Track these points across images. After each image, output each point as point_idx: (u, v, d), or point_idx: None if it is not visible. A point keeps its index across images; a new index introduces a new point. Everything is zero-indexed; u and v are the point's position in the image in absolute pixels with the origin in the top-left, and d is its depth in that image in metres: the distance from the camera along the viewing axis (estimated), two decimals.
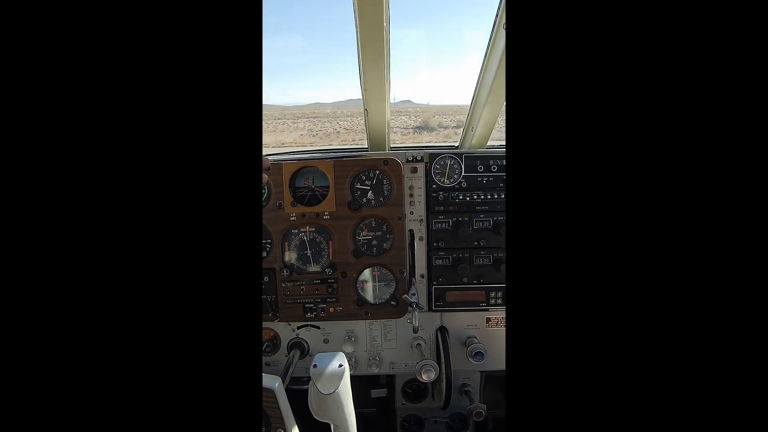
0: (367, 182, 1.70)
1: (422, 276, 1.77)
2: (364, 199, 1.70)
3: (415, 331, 1.66)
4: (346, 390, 1.14)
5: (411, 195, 1.74)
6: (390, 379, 2.01)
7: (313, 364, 1.15)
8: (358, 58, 1.54)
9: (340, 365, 1.14)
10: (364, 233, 1.72)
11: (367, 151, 1.93)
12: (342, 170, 1.67)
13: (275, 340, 1.80)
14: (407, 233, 1.72)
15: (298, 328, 1.79)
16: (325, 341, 1.80)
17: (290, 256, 1.72)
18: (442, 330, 1.81)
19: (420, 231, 1.75)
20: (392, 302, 1.72)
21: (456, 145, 2.06)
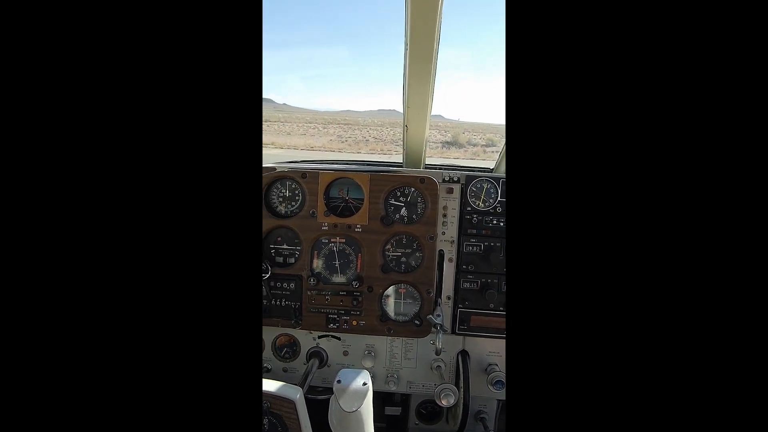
0: (401, 199, 1.70)
1: (448, 297, 1.75)
2: (397, 216, 1.70)
3: (437, 353, 1.64)
4: (368, 409, 1.13)
5: (444, 215, 1.72)
6: (405, 397, 1.99)
7: (337, 379, 1.14)
8: (404, 76, 1.54)
9: (365, 383, 1.13)
10: (394, 249, 1.71)
11: (402, 166, 1.93)
12: (378, 184, 1.67)
13: (294, 346, 1.80)
14: (437, 253, 1.71)
15: (319, 337, 1.79)
16: (345, 353, 1.79)
17: (318, 265, 1.72)
18: (464, 354, 1.78)
19: (450, 252, 1.73)
20: (416, 321, 1.70)
21: (491, 167, 2.04)
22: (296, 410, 1.14)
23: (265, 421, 1.12)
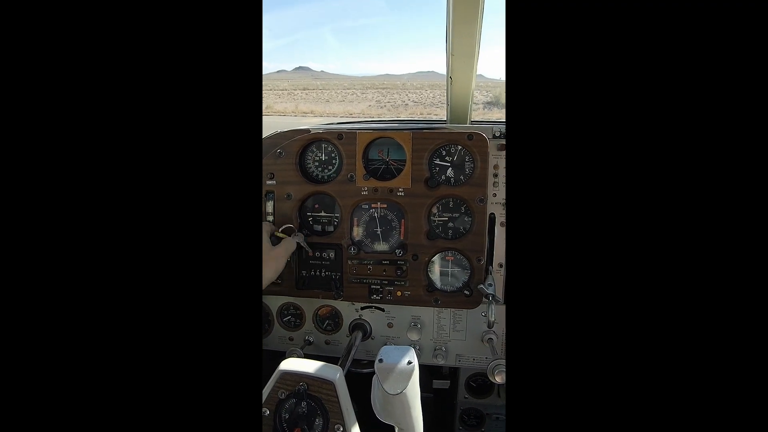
0: (447, 158, 1.54)
1: (500, 265, 1.59)
2: (443, 177, 1.54)
3: (489, 325, 1.51)
4: (414, 390, 1.01)
5: (495, 175, 1.55)
6: (454, 370, 1.89)
7: (378, 358, 1.02)
8: (447, 19, 1.37)
9: (410, 362, 1.01)
10: (441, 214, 1.57)
11: (445, 123, 1.76)
12: (421, 143, 1.51)
13: (336, 318, 1.71)
14: (488, 217, 1.55)
15: (362, 308, 1.69)
16: (389, 325, 1.69)
17: (358, 232, 1.61)
18: None
19: (502, 216, 1.56)
20: (465, 291, 1.56)
21: None
22: (336, 392, 1.04)
23: (303, 405, 1.03)
